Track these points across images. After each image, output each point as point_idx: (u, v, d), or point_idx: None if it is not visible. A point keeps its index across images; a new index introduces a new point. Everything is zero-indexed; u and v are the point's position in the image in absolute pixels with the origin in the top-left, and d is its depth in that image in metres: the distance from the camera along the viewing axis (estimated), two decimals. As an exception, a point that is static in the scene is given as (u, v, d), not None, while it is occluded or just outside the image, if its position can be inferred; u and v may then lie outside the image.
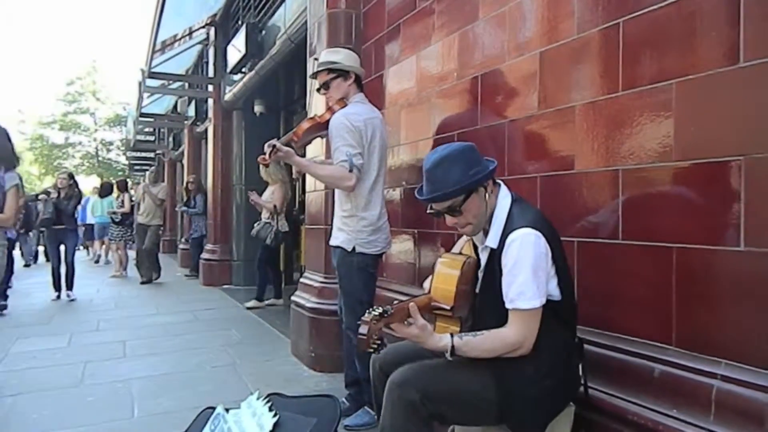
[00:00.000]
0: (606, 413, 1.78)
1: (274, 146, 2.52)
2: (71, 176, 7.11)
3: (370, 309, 1.55)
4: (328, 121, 2.67)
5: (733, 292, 1.54)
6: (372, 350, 1.53)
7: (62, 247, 6.89)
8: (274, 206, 5.94)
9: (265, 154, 2.53)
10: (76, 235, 7.24)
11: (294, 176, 5.21)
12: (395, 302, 1.64)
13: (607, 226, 1.92)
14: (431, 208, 1.76)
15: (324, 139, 3.21)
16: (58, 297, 6.83)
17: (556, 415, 1.70)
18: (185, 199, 9.34)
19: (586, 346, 1.82)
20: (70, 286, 6.93)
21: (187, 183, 9.44)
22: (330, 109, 2.73)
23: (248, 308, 6.10)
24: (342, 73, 2.73)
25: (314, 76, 2.83)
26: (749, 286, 1.50)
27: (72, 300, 6.72)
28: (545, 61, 2.23)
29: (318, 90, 2.83)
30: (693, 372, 1.60)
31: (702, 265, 1.61)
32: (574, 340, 1.77)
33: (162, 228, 9.09)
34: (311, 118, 2.75)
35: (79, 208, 7.93)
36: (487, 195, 1.73)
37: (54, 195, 6.92)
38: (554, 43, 2.18)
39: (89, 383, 3.54)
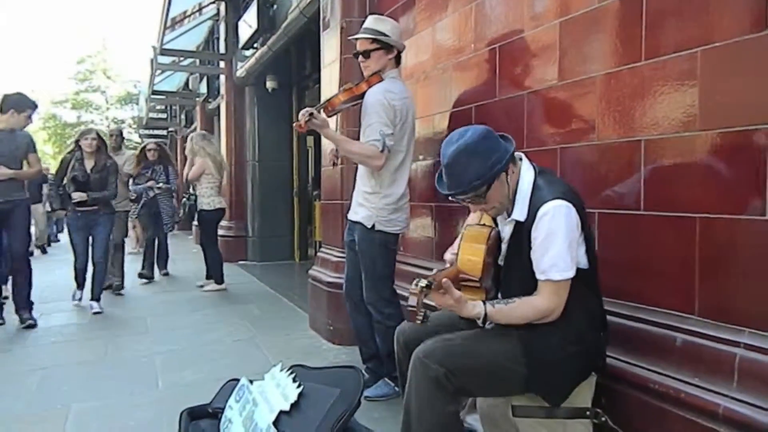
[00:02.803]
0: (627, 382, 1.81)
1: (311, 114, 2.51)
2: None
3: (416, 281, 1.57)
4: (363, 93, 2.64)
5: (757, 261, 1.53)
6: (419, 321, 1.56)
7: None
8: (187, 179, 5.77)
9: (299, 121, 2.52)
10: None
11: (332, 161, 4.15)
12: (429, 274, 1.66)
13: (629, 196, 1.91)
14: (453, 197, 1.77)
15: (339, 116, 3.19)
16: (80, 299, 5.13)
17: (580, 382, 1.73)
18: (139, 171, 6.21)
19: (608, 317, 1.84)
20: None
21: (143, 149, 6.36)
22: (367, 81, 2.66)
23: (205, 290, 5.81)
24: (386, 45, 2.66)
25: (356, 39, 2.73)
26: (772, 255, 1.49)
27: (97, 313, 4.83)
28: (565, 31, 2.19)
29: (356, 55, 2.74)
30: (716, 341, 1.61)
31: (725, 235, 1.61)
32: (599, 308, 1.79)
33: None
34: (348, 89, 2.68)
35: None
36: (509, 178, 1.72)
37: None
38: (574, 13, 2.15)
39: (113, 358, 3.63)
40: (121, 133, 6.54)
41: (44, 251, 10.19)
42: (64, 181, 4.83)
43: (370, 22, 2.72)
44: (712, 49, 1.63)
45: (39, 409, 2.79)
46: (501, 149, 1.70)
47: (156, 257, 6.65)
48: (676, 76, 1.74)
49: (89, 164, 4.84)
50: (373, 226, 2.66)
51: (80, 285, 5.09)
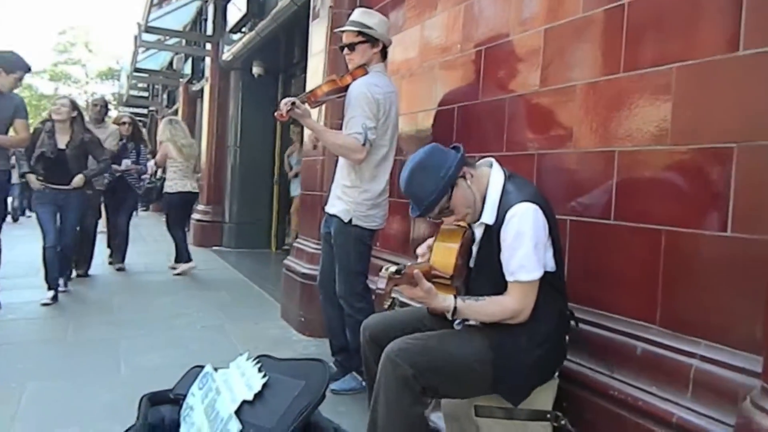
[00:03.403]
0: (588, 387, 1.84)
1: (293, 103, 2.49)
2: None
3: (387, 266, 1.61)
4: (347, 85, 2.63)
5: (717, 275, 1.57)
6: (386, 305, 1.60)
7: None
8: (155, 163, 5.85)
9: (281, 110, 2.50)
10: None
11: (314, 143, 3.94)
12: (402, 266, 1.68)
13: (600, 205, 1.95)
14: (429, 218, 1.83)
15: (324, 107, 3.18)
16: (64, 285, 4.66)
17: (542, 383, 1.76)
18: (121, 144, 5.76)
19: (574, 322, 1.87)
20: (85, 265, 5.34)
21: (115, 122, 5.98)
22: (351, 74, 2.66)
23: (176, 274, 5.78)
24: (371, 39, 2.66)
25: (342, 31, 2.73)
26: (732, 270, 1.53)
27: (46, 304, 4.25)
28: (549, 38, 2.22)
29: (341, 48, 2.73)
30: (674, 351, 1.65)
31: (689, 248, 1.65)
32: (566, 311, 1.83)
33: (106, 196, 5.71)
34: (331, 80, 2.68)
35: None
36: (469, 182, 1.77)
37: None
38: (559, 21, 2.17)
39: (75, 338, 3.57)
40: (106, 104, 5.92)
41: (15, 219, 9.85)
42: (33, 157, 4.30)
43: (357, 14, 2.71)
44: (688, 66, 1.67)
45: (-9, 387, 2.73)
46: (449, 159, 1.77)
47: (113, 245, 6.06)
48: (651, 90, 1.77)
49: (63, 139, 4.32)
50: (350, 220, 2.66)
51: (50, 282, 4.35)
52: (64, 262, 4.56)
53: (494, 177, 1.79)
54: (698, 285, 1.62)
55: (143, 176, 5.90)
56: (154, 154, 6.37)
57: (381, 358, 1.72)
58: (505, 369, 1.70)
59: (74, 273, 5.22)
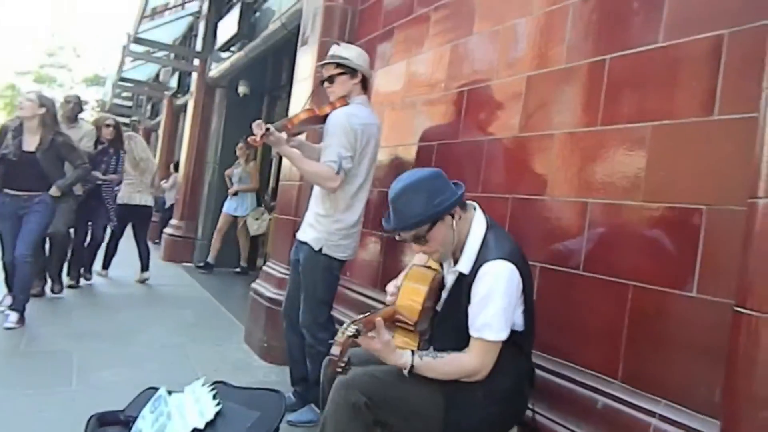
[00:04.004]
0: (546, 438, 1.82)
1: (268, 129, 2.47)
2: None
3: (342, 328, 1.54)
4: (326, 116, 2.63)
5: (680, 335, 1.58)
6: (339, 371, 1.53)
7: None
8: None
9: (255, 135, 2.48)
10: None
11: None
12: (360, 316, 1.64)
13: (570, 255, 1.95)
14: (399, 236, 1.77)
15: (305, 136, 3.17)
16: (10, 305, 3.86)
17: (499, 436, 1.72)
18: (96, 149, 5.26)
19: (538, 371, 1.85)
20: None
21: (97, 123, 5.42)
22: (331, 104, 2.67)
23: (141, 281, 5.99)
24: (350, 70, 2.67)
25: (321, 66, 2.76)
26: (696, 331, 1.55)
27: (9, 328, 3.70)
28: (532, 84, 2.26)
29: (322, 82, 2.76)
30: (633, 408, 1.64)
31: (655, 306, 1.66)
32: (527, 368, 1.79)
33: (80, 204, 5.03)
34: (309, 110, 2.68)
35: None
36: (454, 223, 1.72)
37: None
38: (542, 69, 2.21)
39: (28, 350, 3.42)
40: (80, 102, 5.36)
41: None
42: None
43: (335, 49, 2.76)
44: (663, 125, 1.70)
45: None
46: (448, 192, 1.72)
47: (93, 255, 5.65)
48: (627, 145, 1.81)
49: (31, 141, 3.82)
50: (321, 249, 2.63)
51: (10, 287, 3.92)
52: (24, 275, 3.81)
53: (476, 225, 1.75)
54: (661, 343, 1.63)
55: (116, 188, 5.54)
56: None
57: (334, 384, 1.67)
58: (456, 420, 1.66)
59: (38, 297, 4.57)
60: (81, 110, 5.33)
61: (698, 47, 1.65)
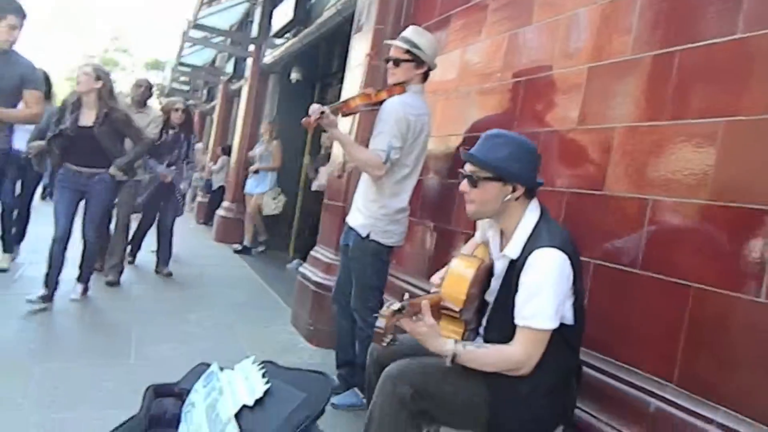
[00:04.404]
0: (594, 439, 1.78)
1: (323, 112, 2.49)
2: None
3: (389, 303, 1.55)
4: (382, 101, 2.62)
5: (744, 341, 1.51)
6: (385, 344, 1.53)
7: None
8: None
9: (309, 117, 2.50)
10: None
11: (339, 173, 3.62)
12: (406, 297, 1.63)
13: (627, 253, 1.89)
14: (463, 169, 1.76)
15: (356, 120, 3.18)
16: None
17: (544, 433, 1.69)
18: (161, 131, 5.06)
19: (585, 369, 1.81)
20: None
21: (166, 108, 5.18)
22: (389, 90, 2.65)
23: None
24: (418, 59, 2.65)
25: (391, 44, 2.72)
26: (761, 338, 1.47)
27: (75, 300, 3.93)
28: (593, 76, 2.18)
29: (386, 60, 2.72)
30: (689, 414, 1.58)
31: (717, 309, 1.59)
32: (576, 365, 1.75)
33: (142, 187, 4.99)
34: (366, 94, 2.68)
35: None
36: (511, 197, 1.69)
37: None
38: (605, 60, 2.14)
39: (90, 322, 3.62)
40: (150, 87, 5.20)
41: (44, 197, 9.59)
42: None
43: (410, 32, 2.70)
44: (737, 121, 1.62)
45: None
46: (527, 170, 1.71)
47: (158, 250, 5.42)
48: (696, 141, 1.73)
49: (89, 116, 3.76)
50: (368, 235, 2.65)
51: (51, 266, 3.68)
52: (91, 253, 3.96)
53: (529, 213, 1.72)
54: (723, 348, 1.56)
55: (192, 172, 5.35)
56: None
57: (382, 375, 1.68)
58: (500, 414, 1.63)
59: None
60: (150, 95, 5.23)
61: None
